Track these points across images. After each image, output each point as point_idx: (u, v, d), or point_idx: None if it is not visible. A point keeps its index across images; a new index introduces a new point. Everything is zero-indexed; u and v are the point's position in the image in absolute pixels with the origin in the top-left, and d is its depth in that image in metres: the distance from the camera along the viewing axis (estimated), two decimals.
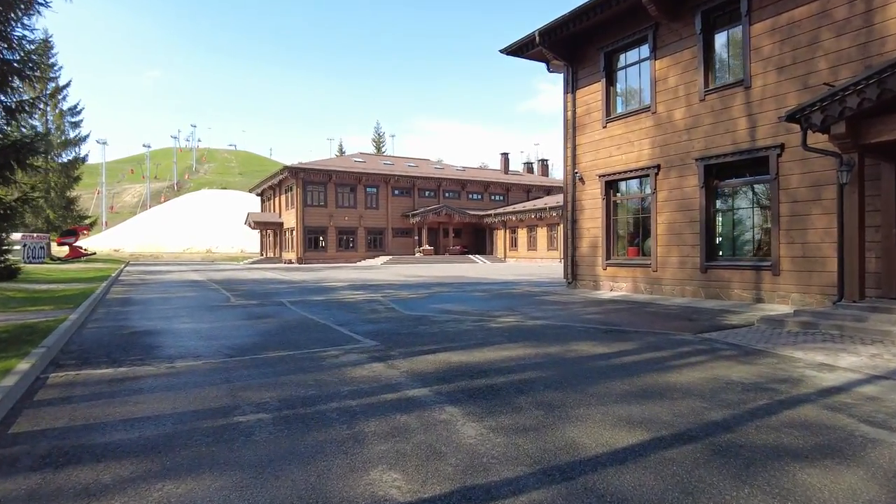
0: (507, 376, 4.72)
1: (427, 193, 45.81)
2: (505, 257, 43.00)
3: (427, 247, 42.84)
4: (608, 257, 13.00)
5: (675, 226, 11.38)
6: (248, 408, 3.89)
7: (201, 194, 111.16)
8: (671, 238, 11.46)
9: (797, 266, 9.22)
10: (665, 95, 11.57)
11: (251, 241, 69.70)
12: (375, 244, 43.69)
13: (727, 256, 10.64)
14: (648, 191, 12.08)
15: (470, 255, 43.41)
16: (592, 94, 13.40)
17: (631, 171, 12.32)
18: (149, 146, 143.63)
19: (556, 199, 38.95)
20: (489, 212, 44.27)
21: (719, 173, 10.72)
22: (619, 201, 13.03)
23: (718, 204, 10.87)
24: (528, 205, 41.35)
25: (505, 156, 52.71)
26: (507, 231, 42.88)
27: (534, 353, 5.72)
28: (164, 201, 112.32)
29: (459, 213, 43.62)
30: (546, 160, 55.48)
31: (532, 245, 40.29)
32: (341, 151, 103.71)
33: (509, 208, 42.98)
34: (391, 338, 6.79)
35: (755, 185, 10.25)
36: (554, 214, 36.84)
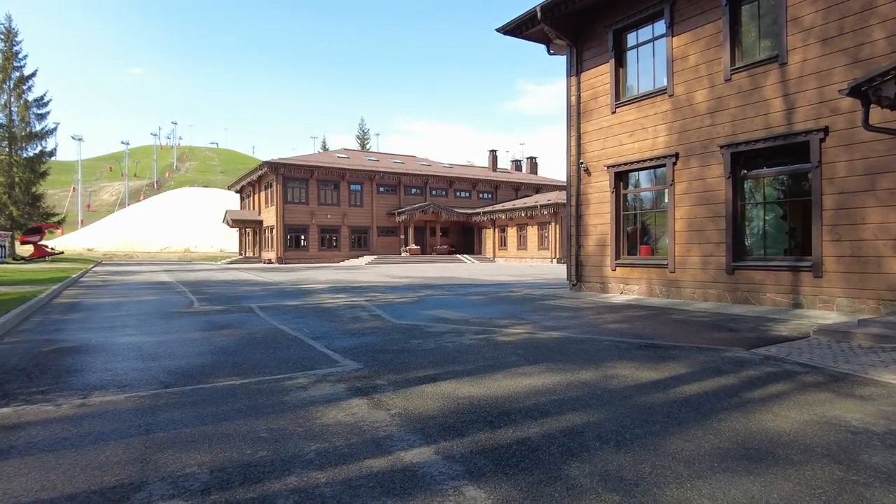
0: (542, 422, 3.39)
1: (413, 191, 44.37)
2: (494, 257, 41.73)
3: (413, 246, 41.41)
4: (618, 257, 11.74)
5: (696, 221, 10.16)
6: (159, 488, 2.51)
7: (181, 192, 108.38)
8: (692, 235, 10.24)
9: (845, 267, 8.03)
10: (684, 76, 10.34)
11: (231, 241, 67.69)
12: (359, 243, 42.16)
13: (758, 256, 9.43)
14: (665, 182, 10.85)
15: (458, 255, 42.08)
16: (599, 76, 12.13)
17: (644, 160, 11.07)
18: (127, 143, 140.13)
19: (547, 197, 37.81)
20: (477, 210, 42.98)
21: (748, 162, 9.51)
22: (630, 194, 11.78)
23: (747, 196, 9.66)
24: (518, 203, 40.14)
25: (493, 153, 51.47)
26: (496, 230, 41.62)
27: (565, 382, 4.40)
28: (144, 200, 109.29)
29: (447, 211, 42.27)
30: (535, 158, 54.36)
31: (522, 244, 39.08)
32: (325, 148, 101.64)
33: (498, 206, 41.74)
34: (377, 357, 5.42)
35: (791, 175, 9.05)
36: (545, 213, 35.68)
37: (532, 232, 37.74)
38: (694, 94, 10.16)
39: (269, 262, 39.44)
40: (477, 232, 44.54)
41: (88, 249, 67.56)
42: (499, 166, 53.57)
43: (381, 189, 42.97)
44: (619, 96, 11.76)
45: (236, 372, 4.84)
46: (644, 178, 11.49)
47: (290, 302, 11.11)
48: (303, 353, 5.70)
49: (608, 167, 11.83)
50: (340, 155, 46.41)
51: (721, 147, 9.66)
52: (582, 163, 12.39)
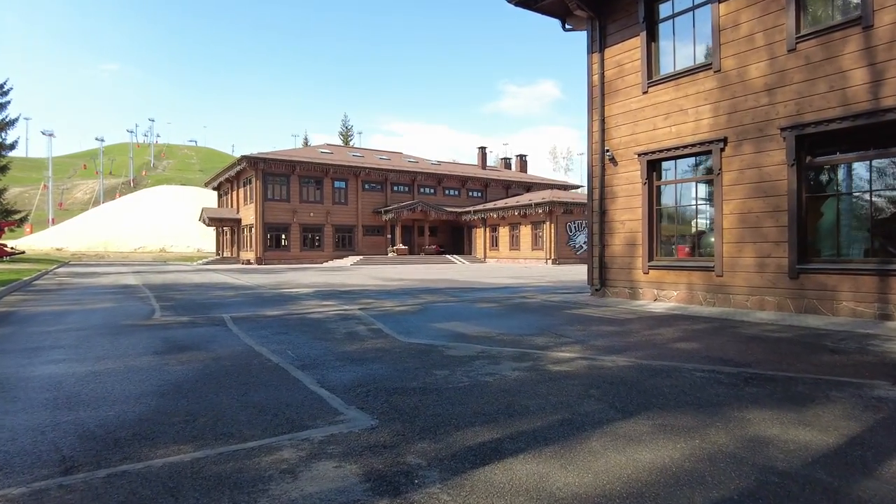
0: None
1: (400, 188, 42.63)
2: (485, 258, 40.19)
3: (401, 246, 39.68)
4: (651, 258, 10.23)
5: (749, 216, 8.69)
6: None
7: (157, 190, 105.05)
8: (744, 233, 8.77)
9: None
10: (734, 47, 8.87)
11: (209, 241, 65.21)
12: (344, 243, 40.28)
13: (830, 257, 7.98)
14: (709, 171, 9.37)
15: (447, 256, 40.45)
16: (628, 51, 10.62)
17: (684, 146, 9.58)
18: (102, 140, 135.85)
19: (542, 196, 36.43)
20: (468, 209, 41.39)
21: (817, 146, 8.06)
22: (665, 186, 10.28)
23: (815, 186, 8.21)
24: (511, 201, 38.64)
25: (483, 150, 49.94)
26: (488, 229, 40.07)
27: (700, 455, 2.80)
28: (119, 198, 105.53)
29: (436, 209, 40.60)
30: (524, 156, 52.97)
31: (515, 244, 37.58)
32: (307, 145, 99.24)
33: (490, 205, 40.20)
34: (395, 402, 3.78)
35: (876, 160, 7.61)
36: (540, 212, 34.24)
37: (525, 231, 36.26)
38: (747, 68, 8.68)
39: (248, 262, 37.38)
40: (467, 231, 42.95)
41: (57, 249, 64.46)
42: (487, 164, 52.06)
43: (367, 186, 41.13)
44: (652, 74, 10.26)
45: (189, 432, 3.16)
46: (683, 167, 10.00)
47: (269, 311, 9.37)
48: (287, 393, 4.03)
49: (639, 155, 10.32)
50: (324, 150, 44.45)
51: (782, 129, 8.19)
52: (607, 150, 10.86)
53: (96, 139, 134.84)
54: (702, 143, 9.29)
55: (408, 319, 8.17)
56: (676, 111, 9.73)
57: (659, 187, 10.29)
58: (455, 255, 40.64)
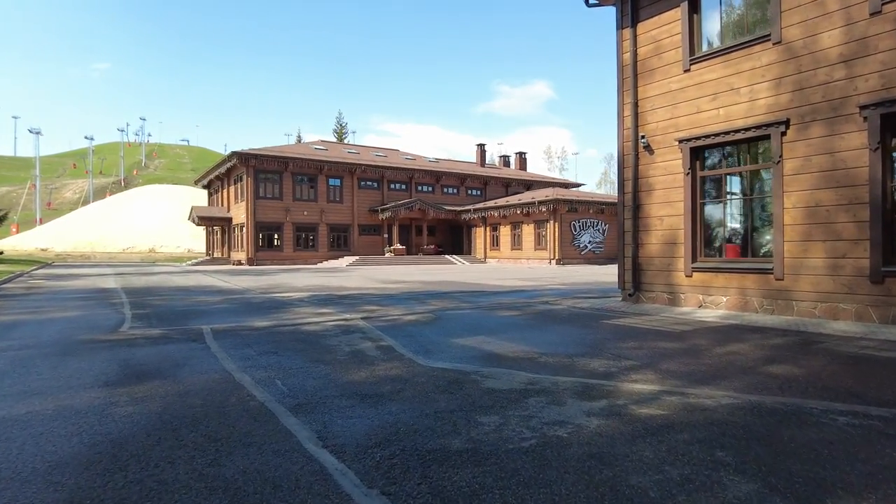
0: None
1: (397, 186, 41.26)
2: (485, 258, 38.90)
3: (398, 246, 38.32)
4: (694, 259, 8.99)
5: (818, 211, 7.46)
6: None
7: (147, 190, 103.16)
8: (811, 229, 7.53)
9: None
10: (801, 14, 7.62)
11: (200, 241, 63.56)
12: (339, 243, 38.88)
13: None
14: (766, 158, 8.14)
15: (446, 256, 39.12)
16: (665, 25, 9.37)
17: (735, 130, 8.33)
18: (92, 138, 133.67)
19: (546, 193, 35.21)
20: (467, 207, 40.06)
21: None
22: (712, 176, 9.03)
23: None
24: (513, 199, 37.34)
25: (481, 147, 48.63)
26: (488, 228, 38.76)
27: None
28: (109, 197, 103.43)
29: (435, 208, 39.25)
30: (524, 153, 51.72)
31: (517, 244, 36.30)
32: (300, 143, 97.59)
33: (490, 203, 38.89)
34: (436, 481, 2.48)
35: None
36: (543, 210, 32.97)
37: (528, 231, 34.97)
38: (817, 37, 7.45)
39: (239, 263, 35.93)
40: (466, 231, 41.62)
41: (42, 249, 62.64)
42: (486, 162, 50.78)
43: (363, 184, 39.73)
44: (695, 50, 9.01)
45: None
46: (734, 153, 8.75)
47: (257, 321, 8.04)
48: (275, 461, 2.73)
49: (680, 142, 9.07)
50: (318, 146, 43.00)
51: (863, 107, 6.96)
52: (642, 137, 9.60)
53: (86, 137, 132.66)
54: (757, 127, 8.05)
55: (422, 333, 6.86)
56: (726, 91, 8.48)
57: (704, 178, 9.05)
58: (454, 256, 39.33)
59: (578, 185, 49.90)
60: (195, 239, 68.10)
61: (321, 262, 36.94)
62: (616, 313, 8.63)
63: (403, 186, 41.43)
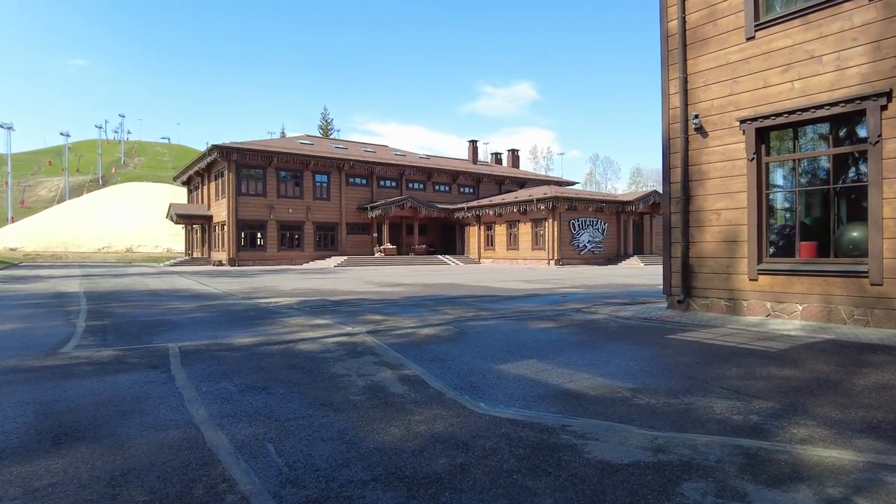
0: None
1: (387, 183, 39.63)
2: (479, 258, 37.46)
3: (389, 245, 36.69)
4: (760, 259, 7.61)
5: None
6: None
7: (125, 188, 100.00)
8: None
9: None
10: None
11: (179, 240, 61.22)
12: (326, 242, 37.15)
13: None
14: (859, 139, 6.80)
15: (438, 256, 37.60)
16: None
17: (815, 107, 6.97)
18: (68, 135, 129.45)
19: (544, 191, 33.90)
20: (460, 205, 38.56)
21: None
22: (782, 162, 7.67)
23: None
24: (509, 197, 35.92)
25: (473, 143, 47.20)
26: (482, 227, 37.32)
27: None
28: (85, 195, 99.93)
29: (427, 206, 37.67)
30: (516, 150, 50.38)
31: (513, 244, 34.90)
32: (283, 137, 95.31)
33: (485, 201, 37.44)
34: None
35: None
36: (542, 208, 31.61)
37: (525, 230, 33.59)
38: None
39: (220, 263, 34.03)
40: (459, 230, 40.12)
41: (11, 249, 59.77)
42: (478, 159, 49.35)
43: (351, 180, 38.02)
44: (761, 13, 7.64)
45: None
46: (811, 135, 7.40)
47: (239, 337, 6.47)
48: None
49: (743, 122, 7.69)
50: (303, 141, 41.16)
51: None
52: (695, 117, 8.21)
53: (61, 134, 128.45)
54: (847, 101, 6.69)
55: (451, 355, 5.37)
56: (803, 60, 7.11)
57: (771, 164, 7.68)
58: (447, 256, 37.82)
59: (573, 184, 48.74)
60: (174, 238, 65.67)
61: (307, 262, 35.20)
62: (674, 325, 7.21)
63: (394, 184, 39.82)
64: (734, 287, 7.88)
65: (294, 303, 10.65)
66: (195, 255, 41.74)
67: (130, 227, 73.54)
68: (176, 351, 5.63)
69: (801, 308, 7.18)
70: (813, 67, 7.02)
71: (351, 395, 3.92)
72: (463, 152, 47.32)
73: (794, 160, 7.51)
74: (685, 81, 8.41)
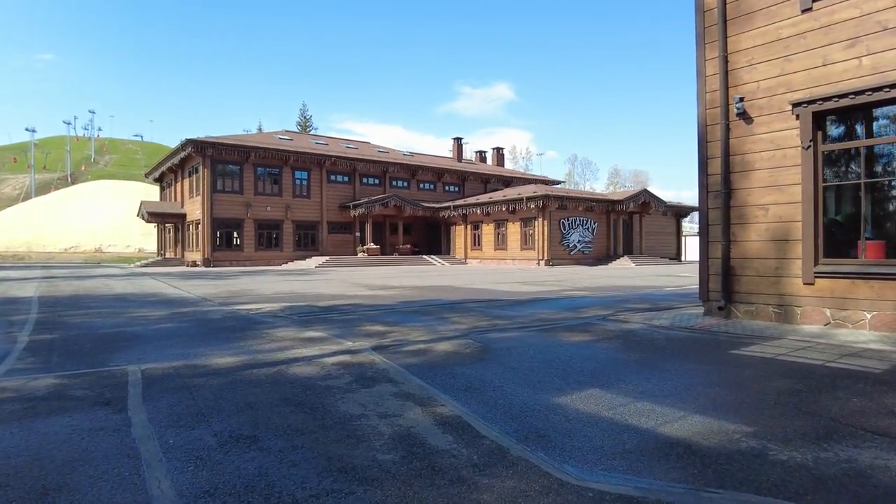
0: None
1: (370, 181, 38.36)
2: (465, 258, 36.44)
3: (372, 245, 35.42)
4: (817, 260, 6.72)
5: None
6: None
7: (94, 185, 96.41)
8: None
9: None
10: None
11: (151, 239, 58.90)
12: (307, 242, 35.73)
13: None
14: None
15: (424, 256, 36.47)
16: None
17: (888, 86, 6.09)
18: (34, 131, 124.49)
19: (533, 189, 33.06)
20: (446, 204, 37.48)
21: None
22: (845, 151, 6.78)
23: None
24: (497, 195, 34.96)
25: (458, 140, 46.19)
26: (469, 227, 36.30)
27: None
28: (52, 192, 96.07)
29: (412, 204, 36.48)
30: (501, 149, 49.51)
31: (500, 244, 33.95)
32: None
33: (472, 200, 36.42)
34: None
35: None
36: (531, 206, 30.72)
37: (514, 229, 32.67)
38: None
39: (194, 264, 32.39)
40: (445, 229, 39.04)
41: None
42: (462, 157, 48.36)
43: (333, 178, 36.65)
44: None
45: None
46: (880, 119, 6.52)
47: (217, 357, 5.30)
48: None
49: (796, 105, 6.79)
50: (282, 136, 39.60)
51: None
52: (738, 100, 7.28)
53: (27, 129, 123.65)
54: None
55: (487, 381, 4.30)
56: (873, 32, 6.23)
57: (828, 153, 6.79)
58: (432, 256, 36.72)
59: (559, 182, 48.07)
60: (147, 238, 63.26)
61: (286, 263, 33.76)
62: (726, 336, 6.26)
63: (377, 181, 38.57)
64: (785, 292, 6.97)
65: (278, 309, 9.47)
66: (168, 255, 39.88)
67: (100, 227, 70.77)
68: (137, 377, 4.46)
69: (868, 316, 6.29)
70: (887, 40, 6.13)
71: (377, 451, 2.83)
72: (442, 152, 46.36)
73: (859, 146, 6.62)
74: (725, 61, 7.48)
